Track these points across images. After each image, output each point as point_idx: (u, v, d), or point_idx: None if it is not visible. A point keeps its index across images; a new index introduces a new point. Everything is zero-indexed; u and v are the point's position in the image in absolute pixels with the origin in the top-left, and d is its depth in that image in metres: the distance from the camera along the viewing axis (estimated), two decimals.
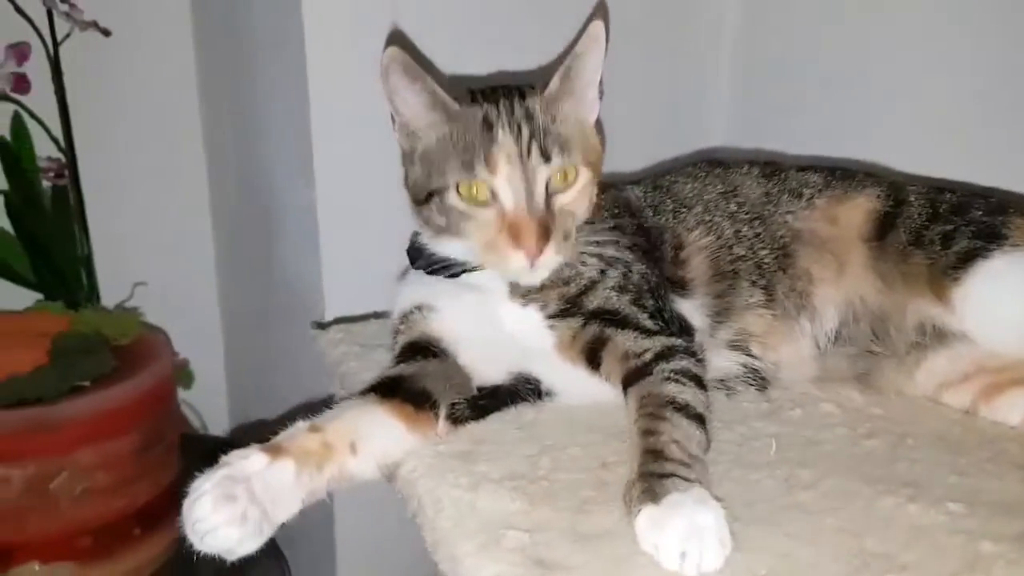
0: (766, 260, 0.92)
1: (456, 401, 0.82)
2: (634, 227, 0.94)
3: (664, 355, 0.81)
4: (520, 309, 0.86)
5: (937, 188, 0.96)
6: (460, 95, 0.87)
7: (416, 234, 0.92)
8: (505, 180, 0.82)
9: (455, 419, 0.82)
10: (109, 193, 1.66)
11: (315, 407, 0.81)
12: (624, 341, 0.83)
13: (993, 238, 0.87)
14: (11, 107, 1.50)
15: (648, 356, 0.81)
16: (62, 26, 1.48)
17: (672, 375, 0.78)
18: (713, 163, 1.03)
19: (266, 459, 0.70)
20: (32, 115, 1.51)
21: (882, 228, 0.92)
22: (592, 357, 0.85)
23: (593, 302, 0.86)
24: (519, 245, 0.81)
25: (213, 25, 1.62)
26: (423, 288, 0.89)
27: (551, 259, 0.82)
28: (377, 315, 1.12)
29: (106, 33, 1.51)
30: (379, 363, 0.94)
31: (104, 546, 1.25)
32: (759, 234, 0.94)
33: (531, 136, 0.83)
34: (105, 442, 1.24)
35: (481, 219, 0.83)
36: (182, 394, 1.67)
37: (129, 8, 1.60)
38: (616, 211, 0.94)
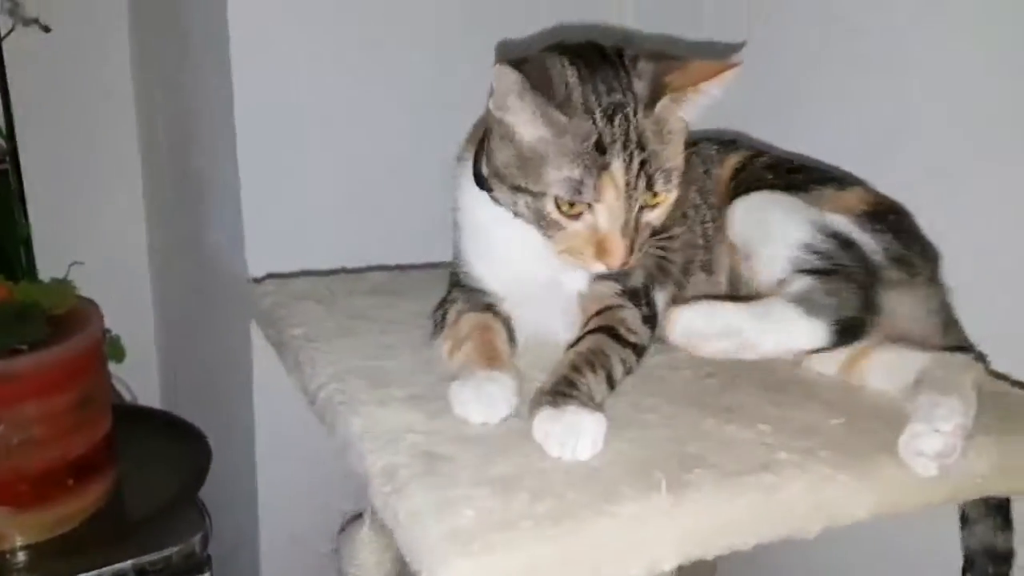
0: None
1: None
2: None
3: (640, 344, 0.96)
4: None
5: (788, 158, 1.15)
6: (560, 78, 0.86)
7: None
8: (607, 207, 0.85)
9: None
10: (48, 178, 1.78)
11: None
12: (628, 315, 0.97)
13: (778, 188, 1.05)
14: None
15: (632, 338, 0.95)
16: (5, 22, 1.60)
17: (626, 358, 0.93)
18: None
19: None
20: None
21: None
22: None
23: (629, 283, 1.00)
24: (604, 259, 0.87)
25: (148, 19, 1.77)
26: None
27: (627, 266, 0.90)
28: (306, 272, 1.29)
29: (46, 29, 1.63)
30: (306, 313, 1.10)
31: (40, 494, 1.35)
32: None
33: (641, 166, 0.85)
34: (41, 398, 1.34)
35: (571, 230, 0.87)
36: (114, 368, 1.78)
37: (69, 5, 1.73)
38: None
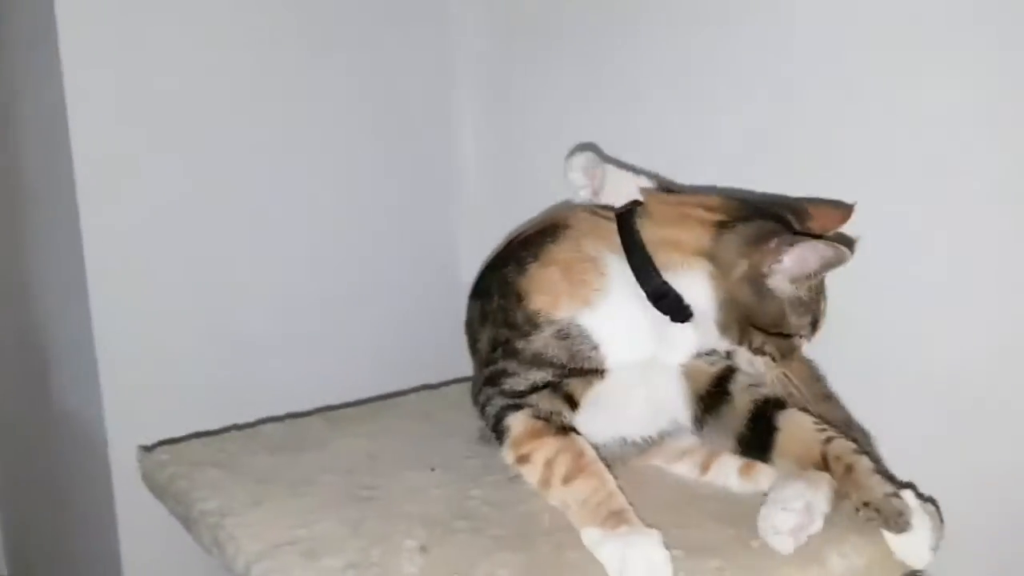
0: None
1: None
2: None
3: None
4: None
5: None
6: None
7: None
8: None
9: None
10: None
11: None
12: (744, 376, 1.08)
13: None
14: None
15: (767, 391, 1.06)
16: None
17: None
18: None
19: None
20: None
21: None
22: (718, 384, 1.08)
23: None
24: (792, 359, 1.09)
25: None
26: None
27: None
28: (198, 434, 1.25)
29: None
30: (210, 483, 1.08)
31: None
32: None
33: None
34: None
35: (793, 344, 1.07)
36: None
37: None
38: None
